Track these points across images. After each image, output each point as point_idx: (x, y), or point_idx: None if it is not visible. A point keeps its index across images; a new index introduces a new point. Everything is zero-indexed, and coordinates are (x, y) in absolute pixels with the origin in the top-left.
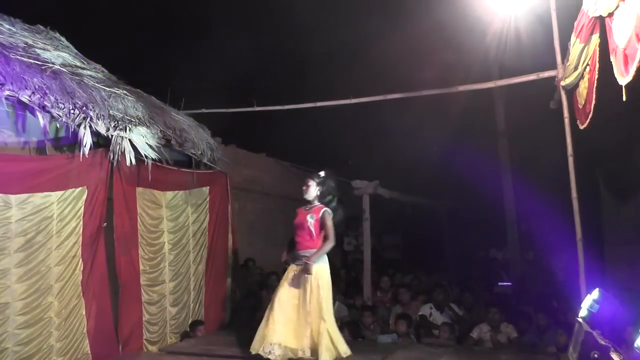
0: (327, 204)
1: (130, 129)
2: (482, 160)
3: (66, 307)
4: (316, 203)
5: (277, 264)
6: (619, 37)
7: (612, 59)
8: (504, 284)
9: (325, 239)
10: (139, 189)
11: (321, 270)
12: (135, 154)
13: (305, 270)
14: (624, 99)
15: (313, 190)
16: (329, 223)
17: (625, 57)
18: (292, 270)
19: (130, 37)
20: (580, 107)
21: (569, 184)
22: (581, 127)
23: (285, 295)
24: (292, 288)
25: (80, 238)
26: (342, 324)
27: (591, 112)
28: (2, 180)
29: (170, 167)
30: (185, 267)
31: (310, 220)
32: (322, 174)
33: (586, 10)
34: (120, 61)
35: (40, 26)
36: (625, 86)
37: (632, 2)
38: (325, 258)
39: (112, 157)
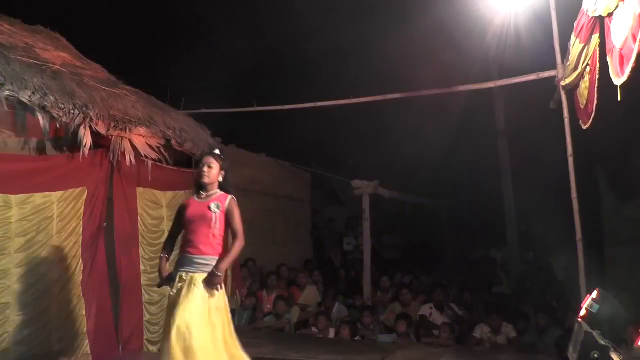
0: (228, 192)
1: (130, 129)
2: (482, 160)
3: (66, 308)
4: (216, 190)
5: (277, 264)
6: (616, 37)
7: (608, 59)
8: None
9: (233, 237)
10: (140, 189)
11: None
12: (135, 154)
13: (214, 282)
14: (619, 99)
15: (216, 174)
16: (238, 216)
17: (621, 57)
18: (180, 280)
19: (130, 37)
20: (582, 107)
21: (569, 184)
22: (584, 127)
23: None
24: (182, 309)
25: (81, 238)
26: (342, 324)
27: (593, 112)
28: (3, 181)
29: (170, 167)
30: None
31: (216, 210)
32: (217, 151)
33: (586, 10)
34: (120, 61)
35: (40, 26)
36: (621, 86)
37: (631, 3)
38: None
39: (112, 157)
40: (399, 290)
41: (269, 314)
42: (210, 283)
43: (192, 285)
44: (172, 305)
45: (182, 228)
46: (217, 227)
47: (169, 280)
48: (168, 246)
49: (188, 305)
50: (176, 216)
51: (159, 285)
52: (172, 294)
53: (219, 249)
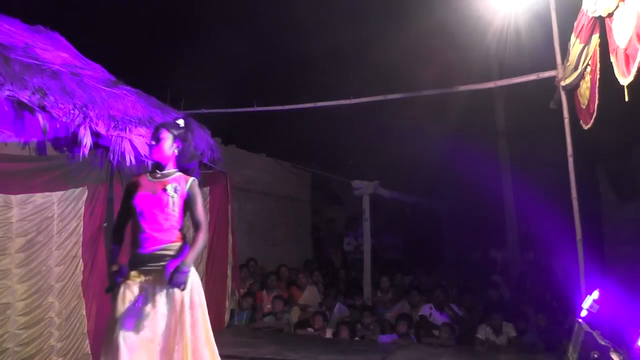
0: (190, 173)
1: (130, 129)
2: (482, 160)
3: (67, 308)
4: (173, 169)
5: (277, 264)
6: (619, 37)
7: (612, 59)
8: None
9: (196, 228)
10: None
11: (196, 280)
12: (135, 154)
13: (178, 282)
14: (627, 99)
15: (168, 148)
16: (201, 202)
17: (627, 57)
18: (135, 280)
19: (130, 37)
20: (584, 107)
21: (569, 184)
22: (585, 128)
23: (133, 327)
24: (145, 314)
25: (81, 238)
26: (341, 325)
27: (595, 112)
28: (3, 181)
29: None
30: None
31: (173, 194)
32: (180, 122)
33: (586, 11)
34: (120, 61)
35: (40, 26)
36: (627, 86)
37: (632, 2)
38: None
39: (112, 157)
40: (407, 290)
41: (268, 314)
42: (176, 282)
43: (160, 285)
44: (132, 313)
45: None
46: (176, 213)
47: (114, 276)
48: (118, 236)
49: (159, 317)
50: (124, 198)
51: (107, 290)
52: (119, 298)
53: (180, 236)
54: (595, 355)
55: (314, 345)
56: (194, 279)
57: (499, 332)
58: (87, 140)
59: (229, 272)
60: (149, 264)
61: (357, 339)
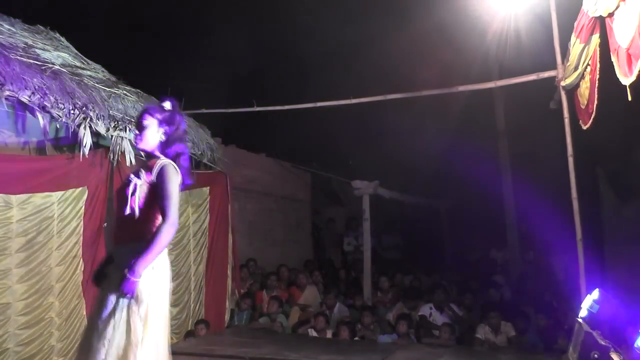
0: (174, 158)
1: (130, 129)
2: (482, 160)
3: (67, 308)
4: (157, 154)
5: (277, 264)
6: (621, 37)
7: (613, 59)
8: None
9: (162, 218)
10: None
11: (152, 285)
12: (135, 154)
13: (125, 290)
14: (629, 99)
15: (153, 135)
16: (171, 189)
17: (629, 56)
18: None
19: (130, 37)
20: (583, 107)
21: (569, 184)
22: (584, 127)
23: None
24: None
25: (81, 238)
26: (341, 325)
27: (594, 112)
28: (3, 181)
29: None
30: (185, 268)
31: (136, 180)
32: (167, 105)
33: (586, 11)
34: (120, 61)
35: (40, 26)
36: (629, 86)
37: (634, 2)
38: (164, 258)
39: (112, 157)
40: (407, 291)
41: (266, 314)
42: (121, 290)
43: (107, 286)
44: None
45: None
46: (138, 202)
47: (98, 277)
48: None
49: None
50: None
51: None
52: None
53: (147, 231)
54: (595, 355)
55: (314, 345)
56: (146, 288)
57: (497, 332)
58: (87, 140)
59: (229, 272)
60: (114, 261)
61: (357, 339)
